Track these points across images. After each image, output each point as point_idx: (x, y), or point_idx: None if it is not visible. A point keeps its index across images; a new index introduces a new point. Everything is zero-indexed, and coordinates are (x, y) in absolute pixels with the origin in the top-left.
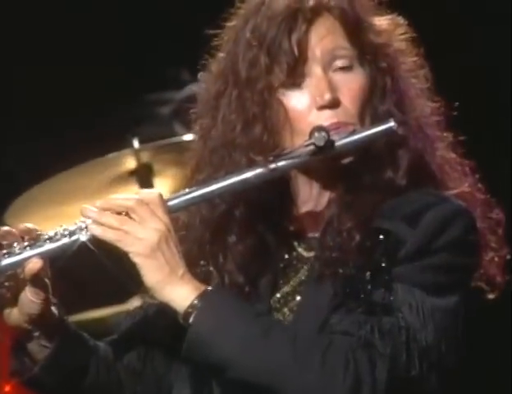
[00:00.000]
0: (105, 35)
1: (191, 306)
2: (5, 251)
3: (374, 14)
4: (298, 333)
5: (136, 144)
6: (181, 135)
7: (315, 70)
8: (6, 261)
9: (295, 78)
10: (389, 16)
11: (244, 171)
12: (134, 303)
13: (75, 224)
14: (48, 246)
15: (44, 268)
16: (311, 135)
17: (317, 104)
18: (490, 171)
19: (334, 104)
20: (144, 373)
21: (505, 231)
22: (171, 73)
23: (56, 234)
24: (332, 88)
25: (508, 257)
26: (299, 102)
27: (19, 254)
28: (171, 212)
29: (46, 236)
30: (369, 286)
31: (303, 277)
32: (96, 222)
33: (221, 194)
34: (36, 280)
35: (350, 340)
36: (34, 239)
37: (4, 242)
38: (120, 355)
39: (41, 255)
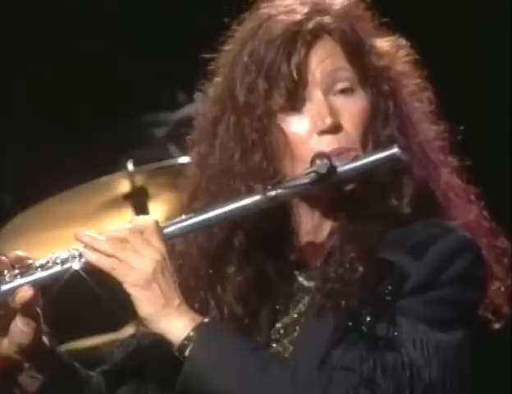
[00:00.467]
0: (101, 55)
1: (187, 338)
2: None
3: (375, 36)
4: (297, 368)
5: (130, 166)
6: (177, 157)
7: (315, 94)
8: None
9: (295, 103)
10: (391, 38)
11: (242, 199)
12: (128, 331)
13: (68, 251)
14: (40, 274)
15: (36, 297)
16: (312, 162)
17: (317, 129)
18: (490, 171)
19: (335, 129)
20: None
21: (511, 259)
22: (166, 94)
23: (48, 262)
24: (333, 112)
25: None
26: (299, 127)
27: (9, 282)
28: (167, 239)
29: (37, 264)
30: (372, 320)
31: (303, 308)
32: (90, 247)
33: (219, 222)
34: (27, 309)
35: (351, 376)
36: (26, 267)
37: None
38: (112, 387)
39: (32, 283)
